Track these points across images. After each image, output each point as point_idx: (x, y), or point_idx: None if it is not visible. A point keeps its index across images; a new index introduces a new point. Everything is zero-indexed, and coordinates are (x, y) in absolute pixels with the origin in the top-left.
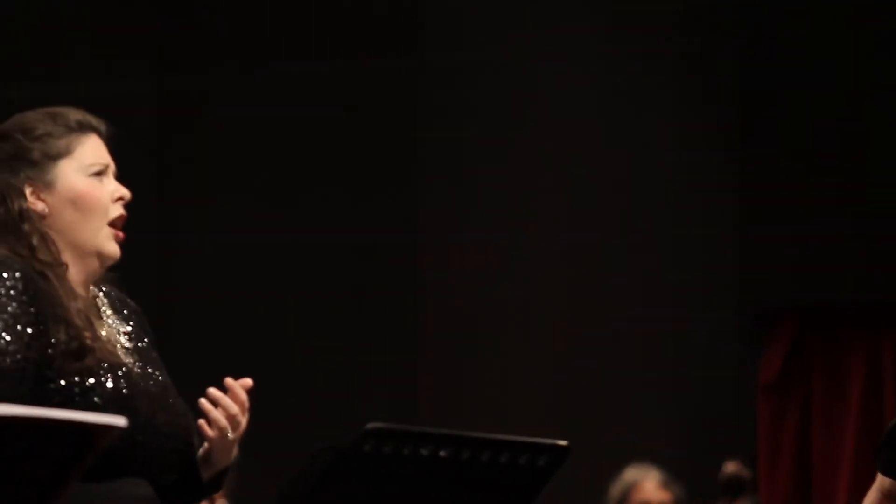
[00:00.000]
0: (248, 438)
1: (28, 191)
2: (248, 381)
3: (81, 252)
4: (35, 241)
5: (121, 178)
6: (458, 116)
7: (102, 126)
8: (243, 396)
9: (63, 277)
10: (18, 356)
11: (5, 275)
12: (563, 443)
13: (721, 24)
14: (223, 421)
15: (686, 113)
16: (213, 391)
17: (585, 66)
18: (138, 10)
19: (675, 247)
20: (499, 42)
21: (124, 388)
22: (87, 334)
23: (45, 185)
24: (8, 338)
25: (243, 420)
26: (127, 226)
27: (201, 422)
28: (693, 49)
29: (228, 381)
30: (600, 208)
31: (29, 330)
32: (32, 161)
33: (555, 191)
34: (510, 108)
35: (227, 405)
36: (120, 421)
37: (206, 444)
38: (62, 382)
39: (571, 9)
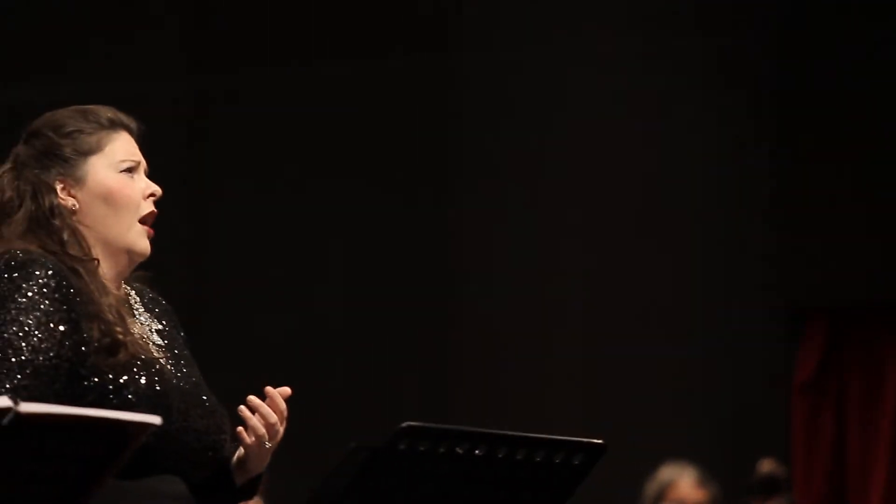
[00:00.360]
0: (283, 436)
1: (59, 187)
2: (287, 390)
3: (112, 248)
4: (66, 236)
5: (153, 175)
6: (489, 116)
7: (134, 124)
8: (282, 405)
9: (94, 273)
10: (51, 354)
11: (37, 273)
12: (598, 441)
13: (755, 19)
14: (261, 430)
15: (719, 111)
16: (252, 399)
17: (617, 64)
18: (171, 9)
19: (709, 246)
20: (530, 41)
21: (157, 385)
22: (118, 329)
23: (75, 181)
24: (41, 336)
25: (281, 429)
26: (159, 223)
27: (240, 429)
28: (726, 45)
29: (268, 389)
30: (632, 207)
31: (61, 328)
32: (63, 157)
33: (586, 190)
34: (541, 107)
35: (266, 414)
36: (154, 419)
37: (241, 450)
38: (95, 380)
39: (602, 6)
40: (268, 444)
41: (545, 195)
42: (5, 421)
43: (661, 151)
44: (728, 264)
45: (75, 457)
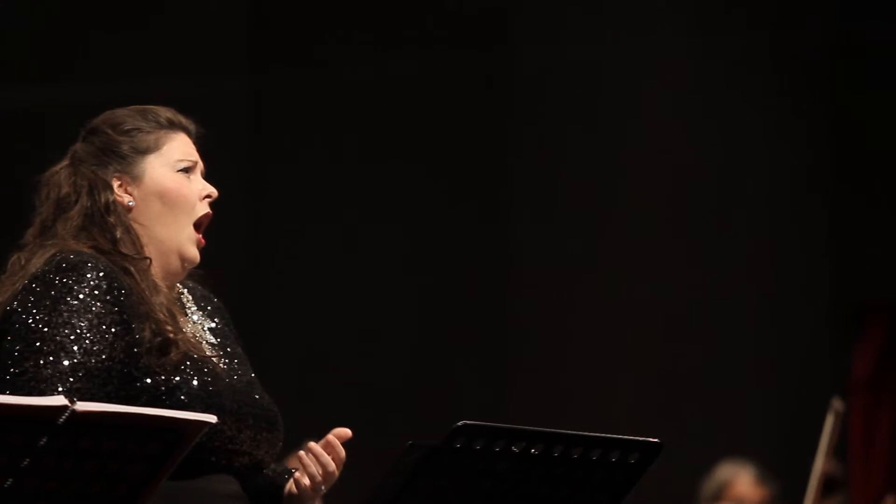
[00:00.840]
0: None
1: (115, 184)
2: (348, 432)
3: (164, 248)
4: (119, 233)
5: (209, 176)
6: (549, 113)
7: (192, 126)
8: (342, 453)
9: (146, 271)
10: (103, 356)
11: (89, 275)
12: (654, 440)
13: (816, 16)
14: (318, 478)
15: (780, 108)
16: (314, 447)
17: (678, 60)
18: (228, 8)
19: (767, 244)
20: (590, 38)
21: (210, 385)
22: (169, 328)
23: (132, 179)
24: (93, 338)
25: (337, 473)
26: (217, 223)
27: (297, 474)
28: (788, 42)
29: (330, 437)
30: (692, 205)
31: (113, 329)
32: (121, 154)
33: (646, 188)
34: (606, 106)
35: (325, 463)
36: (209, 417)
37: (293, 485)
38: (148, 381)
39: (663, 2)
40: (322, 489)
41: (604, 193)
42: (61, 419)
43: (722, 150)
44: (787, 263)
45: (130, 456)
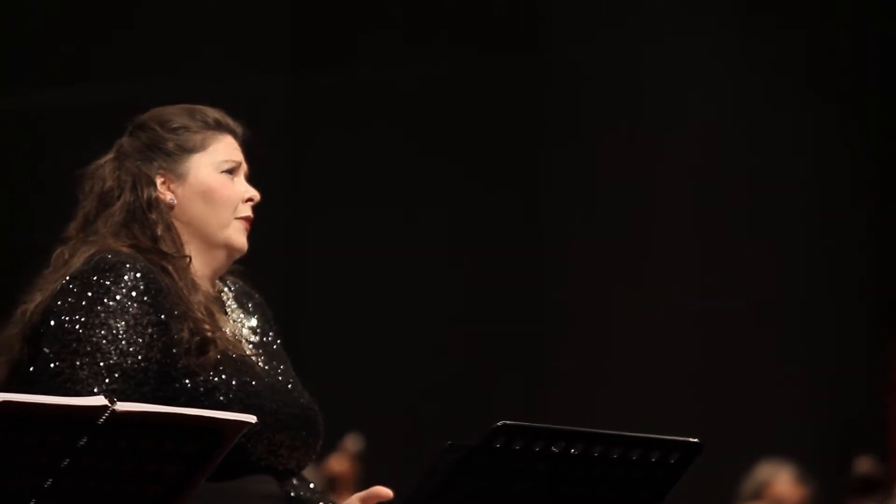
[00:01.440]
0: (380, 435)
1: (159, 181)
2: (389, 493)
3: (208, 244)
4: (160, 231)
5: (251, 175)
6: (582, 109)
7: (239, 129)
8: None
9: (185, 270)
10: (139, 357)
11: (127, 276)
12: (694, 440)
13: (855, 14)
14: None
15: (819, 105)
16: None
17: (712, 57)
18: (271, 9)
19: (810, 244)
20: (622, 33)
21: (249, 385)
22: (207, 326)
23: (176, 177)
24: (129, 339)
25: None
26: (258, 224)
27: None
28: (827, 39)
29: (372, 490)
30: (729, 203)
31: (150, 330)
32: (167, 151)
33: (682, 188)
34: (646, 106)
35: None
36: (249, 418)
37: None
38: (187, 382)
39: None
40: None
41: (639, 189)
42: (101, 419)
43: (760, 146)
44: (826, 264)
45: (169, 456)
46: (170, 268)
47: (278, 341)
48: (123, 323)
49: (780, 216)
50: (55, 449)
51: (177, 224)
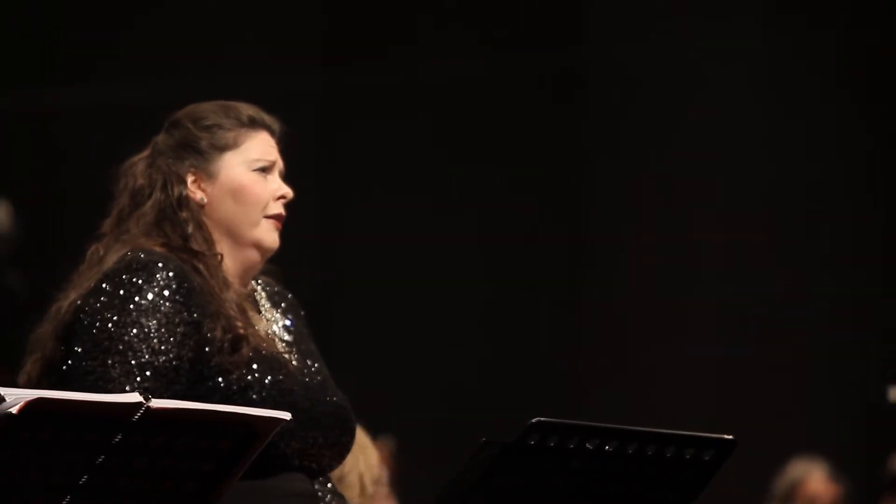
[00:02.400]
0: (414, 433)
1: (190, 179)
2: None
3: (238, 243)
4: (190, 229)
5: (287, 170)
6: (621, 110)
7: (276, 125)
8: None
9: (216, 268)
10: (171, 355)
11: (159, 275)
12: (728, 437)
13: (884, 14)
14: None
15: (847, 105)
16: None
17: (747, 57)
18: (303, 7)
19: (836, 241)
20: (661, 33)
21: (282, 384)
22: (239, 324)
23: (207, 175)
24: (161, 338)
25: None
26: (290, 220)
27: None
28: (858, 40)
29: None
30: (762, 201)
31: (181, 329)
32: (199, 150)
33: (725, 189)
34: (673, 100)
35: None
36: (284, 414)
37: None
38: (220, 380)
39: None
40: None
41: (676, 189)
42: (136, 417)
43: (790, 147)
44: (856, 257)
45: (203, 454)
46: (201, 266)
47: (312, 340)
48: (155, 321)
49: (811, 212)
50: (90, 446)
51: (208, 222)
